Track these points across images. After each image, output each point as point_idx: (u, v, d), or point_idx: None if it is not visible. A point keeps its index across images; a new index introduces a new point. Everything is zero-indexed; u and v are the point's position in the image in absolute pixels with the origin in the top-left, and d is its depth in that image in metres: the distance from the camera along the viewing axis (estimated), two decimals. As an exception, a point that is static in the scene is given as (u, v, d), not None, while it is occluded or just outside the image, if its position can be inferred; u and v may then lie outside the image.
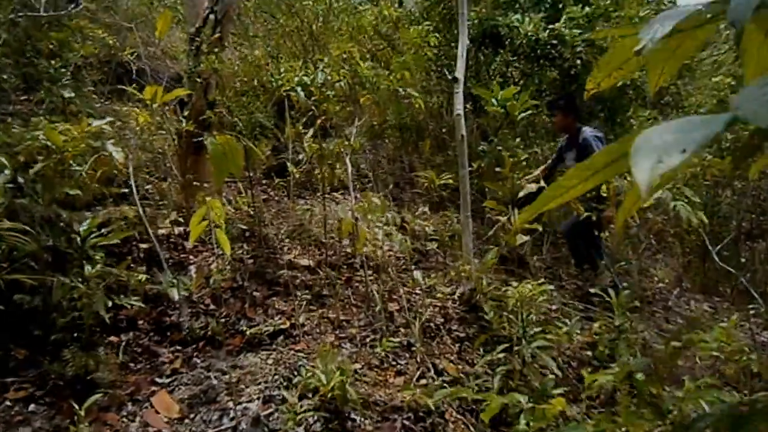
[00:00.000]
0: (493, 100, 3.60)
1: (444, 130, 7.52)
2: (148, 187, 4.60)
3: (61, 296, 2.71)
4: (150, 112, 3.32)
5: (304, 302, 3.47)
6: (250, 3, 8.14)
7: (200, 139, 4.13)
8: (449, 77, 3.99)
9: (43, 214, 2.83)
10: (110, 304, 2.94)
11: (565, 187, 0.86)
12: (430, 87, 7.37)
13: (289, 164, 5.29)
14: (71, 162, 2.98)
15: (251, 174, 4.10)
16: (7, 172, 2.65)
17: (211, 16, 4.30)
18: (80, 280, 2.75)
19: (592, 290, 4.03)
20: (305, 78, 3.22)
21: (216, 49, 4.18)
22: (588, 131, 4.69)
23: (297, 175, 5.46)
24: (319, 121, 3.55)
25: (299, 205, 5.45)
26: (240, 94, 4.48)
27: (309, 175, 5.83)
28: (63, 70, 4.91)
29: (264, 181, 5.74)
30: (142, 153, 4.76)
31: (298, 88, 3.22)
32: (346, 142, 3.48)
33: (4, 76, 5.10)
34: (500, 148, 4.52)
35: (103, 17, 9.49)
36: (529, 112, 3.52)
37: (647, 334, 3.88)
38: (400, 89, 3.50)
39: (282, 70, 3.37)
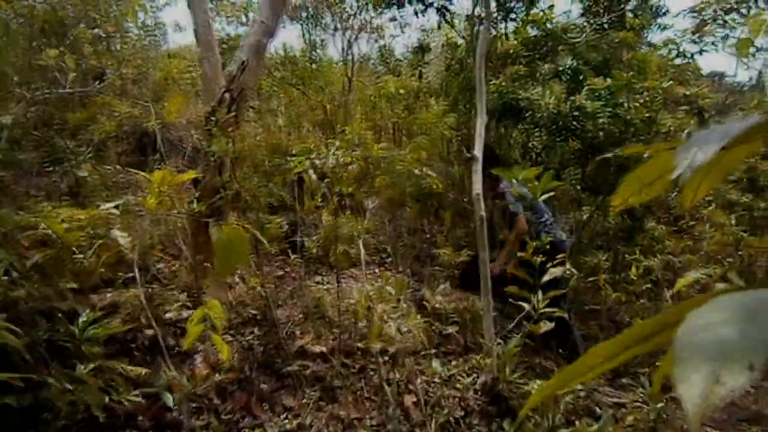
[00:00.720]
0: (515, 180, 3.45)
1: (466, 200, 7.41)
2: (160, 266, 4.50)
3: (54, 395, 2.55)
4: (159, 196, 3.22)
5: (314, 397, 3.26)
6: (271, 78, 8.29)
7: (211, 220, 4.07)
8: (467, 155, 3.86)
9: (41, 307, 2.72)
10: (107, 399, 2.78)
11: (589, 366, 0.68)
12: (449, 158, 7.29)
13: (305, 240, 5.19)
14: (74, 250, 2.88)
15: (260, 257, 3.96)
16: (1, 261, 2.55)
17: (227, 95, 4.29)
18: (75, 377, 2.59)
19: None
20: (317, 161, 3.13)
21: (230, 129, 4.14)
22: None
23: (314, 250, 5.35)
24: (335, 199, 3.44)
25: (315, 283, 5.31)
26: (256, 169, 4.41)
27: (326, 250, 5.70)
28: (81, 149, 4.90)
29: (280, 257, 5.63)
30: (156, 228, 4.68)
31: (310, 171, 3.13)
32: (359, 226, 3.34)
33: (23, 156, 5.12)
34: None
35: (131, 89, 9.73)
36: (552, 193, 3.35)
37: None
38: (417, 170, 3.38)
39: (294, 151, 3.30)
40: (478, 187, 3.83)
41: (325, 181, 3.26)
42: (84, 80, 7.65)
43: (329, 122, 4.45)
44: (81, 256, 2.94)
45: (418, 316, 4.70)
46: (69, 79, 6.98)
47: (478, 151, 3.85)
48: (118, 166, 9.68)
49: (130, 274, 3.84)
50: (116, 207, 3.20)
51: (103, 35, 9.35)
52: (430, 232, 7.48)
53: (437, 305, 5.13)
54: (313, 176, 3.13)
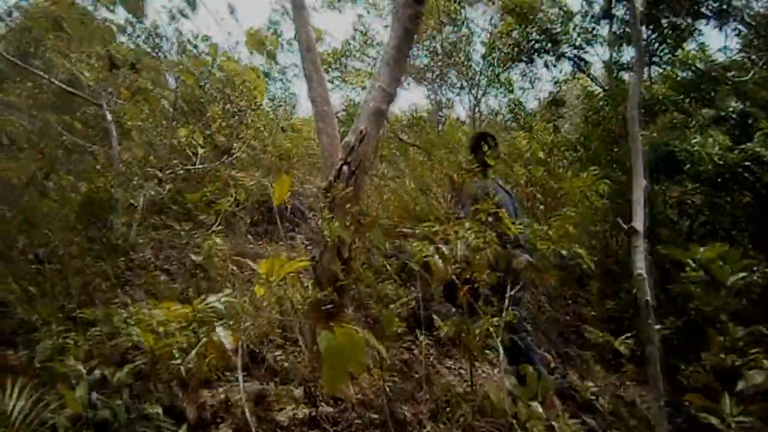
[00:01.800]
0: (690, 261, 2.76)
1: (615, 268, 6.56)
2: (278, 353, 4.18)
3: None
4: (269, 286, 2.89)
5: None
6: (396, 142, 8.06)
7: (331, 306, 3.69)
8: (625, 227, 3.20)
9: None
10: None
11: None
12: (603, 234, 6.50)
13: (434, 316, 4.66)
14: (175, 353, 2.59)
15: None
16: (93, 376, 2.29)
17: (345, 168, 3.96)
18: None
19: None
20: (443, 248, 2.65)
21: (348, 205, 3.79)
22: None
23: (445, 329, 4.80)
24: (465, 289, 2.92)
25: (446, 367, 4.75)
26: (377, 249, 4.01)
27: (459, 330, 5.13)
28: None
29: (408, 338, 5.13)
30: (275, 311, 4.38)
31: (436, 257, 2.65)
32: (496, 322, 2.78)
33: (142, 241, 5.12)
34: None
35: (260, 160, 9.93)
36: (744, 275, 2.61)
37: None
38: (564, 251, 2.79)
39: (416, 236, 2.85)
40: (640, 265, 3.13)
41: (454, 267, 2.77)
42: (213, 155, 7.85)
43: (459, 185, 4.00)
44: (178, 361, 2.63)
45: (566, 415, 3.99)
46: (199, 154, 7.16)
47: (638, 222, 3.18)
48: (249, 236, 9.86)
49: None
50: (222, 300, 2.89)
51: (236, 110, 9.65)
52: (574, 301, 6.68)
53: (589, 395, 4.38)
54: (440, 264, 2.65)
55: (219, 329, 2.74)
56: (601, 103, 7.27)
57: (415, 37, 10.25)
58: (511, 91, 10.55)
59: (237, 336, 2.83)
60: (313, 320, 3.80)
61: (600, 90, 7.69)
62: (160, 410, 2.48)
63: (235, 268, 6.46)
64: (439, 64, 11.57)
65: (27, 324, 3.26)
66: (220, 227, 6.57)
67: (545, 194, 5.71)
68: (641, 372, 4.87)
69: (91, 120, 7.90)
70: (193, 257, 4.09)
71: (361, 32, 11.28)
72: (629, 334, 4.17)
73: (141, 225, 5.92)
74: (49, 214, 4.24)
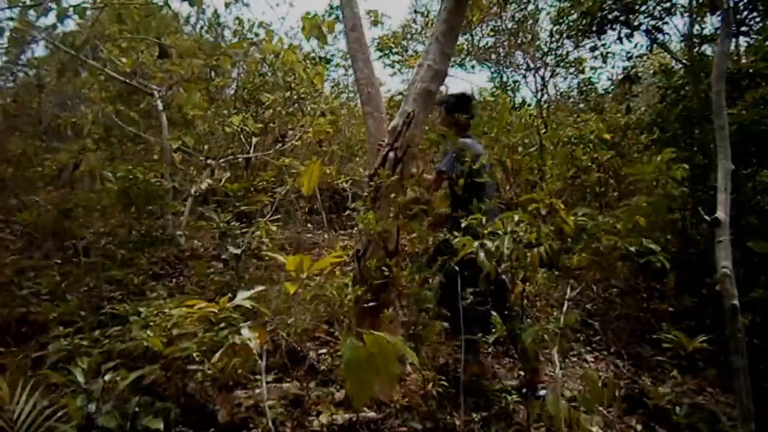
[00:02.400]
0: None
1: (694, 259, 5.98)
2: (322, 352, 3.96)
3: None
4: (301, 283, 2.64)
5: None
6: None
7: (375, 303, 3.42)
8: (706, 219, 2.77)
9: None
10: None
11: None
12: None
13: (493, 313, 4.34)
14: (195, 356, 2.39)
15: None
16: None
17: (391, 155, 3.67)
18: None
19: None
20: (488, 243, 2.32)
21: (394, 195, 3.50)
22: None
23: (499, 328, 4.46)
24: (518, 290, 2.59)
25: (502, 366, 4.41)
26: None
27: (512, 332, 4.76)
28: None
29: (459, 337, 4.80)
30: (322, 306, 4.16)
31: (481, 254, 2.33)
32: (551, 325, 2.43)
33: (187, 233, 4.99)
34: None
35: (321, 146, 9.77)
36: None
37: None
38: (632, 247, 2.40)
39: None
40: (725, 262, 2.70)
41: (503, 266, 2.45)
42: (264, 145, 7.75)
43: (513, 171, 3.64)
44: (195, 367, 2.43)
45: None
46: (253, 142, 7.04)
47: (722, 212, 2.74)
48: (309, 225, 9.74)
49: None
50: (252, 297, 2.67)
51: (297, 97, 9.52)
52: (649, 296, 6.14)
53: (664, 404, 3.94)
54: (486, 262, 2.33)
55: (244, 330, 2.52)
56: (680, 79, 6.64)
57: (477, 15, 9.79)
58: (582, 71, 9.92)
59: (263, 335, 2.61)
60: (355, 318, 3.56)
61: (679, 65, 7.03)
62: (161, 426, 2.29)
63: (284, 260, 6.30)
64: (504, 43, 11.04)
65: (49, 321, 3.17)
66: (277, 216, 6.45)
67: (617, 180, 5.21)
68: (723, 377, 4.39)
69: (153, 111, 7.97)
70: (232, 249, 3.92)
71: (422, 13, 10.88)
72: (709, 336, 3.71)
73: (192, 214, 5.85)
74: (90, 205, 4.19)
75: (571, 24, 8.40)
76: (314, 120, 7.14)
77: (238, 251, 3.90)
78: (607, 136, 5.36)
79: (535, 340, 2.50)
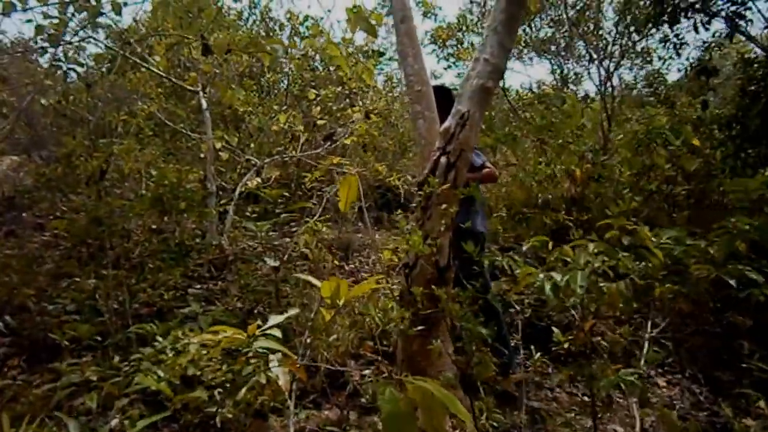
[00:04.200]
0: None
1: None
2: (365, 373, 3.65)
3: None
4: (335, 310, 2.34)
5: None
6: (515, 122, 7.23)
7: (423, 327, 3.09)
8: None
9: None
10: None
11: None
12: None
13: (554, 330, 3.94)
14: (218, 394, 2.12)
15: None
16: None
17: (443, 159, 3.32)
18: None
19: None
20: (555, 276, 1.95)
21: (444, 206, 3.15)
22: None
23: (566, 345, 4.05)
24: (587, 326, 2.21)
25: (566, 393, 4.01)
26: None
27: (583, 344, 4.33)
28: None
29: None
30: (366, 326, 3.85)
31: (547, 287, 1.96)
32: (631, 379, 2.04)
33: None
34: None
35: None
36: None
37: None
38: (732, 280, 1.98)
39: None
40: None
41: (572, 300, 2.07)
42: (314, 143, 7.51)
43: (582, 183, 3.23)
44: (215, 409, 2.15)
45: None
46: (301, 140, 6.81)
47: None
48: (359, 224, 9.47)
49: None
50: (280, 324, 2.39)
51: (347, 92, 9.29)
52: (723, 305, 5.55)
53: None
54: (552, 297, 1.96)
55: (273, 364, 2.23)
56: (763, 69, 6.02)
57: (535, 4, 9.25)
58: (650, 62, 9.28)
59: (296, 368, 2.31)
60: (401, 343, 3.24)
61: (762, 54, 6.39)
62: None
63: (335, 263, 6.05)
64: (565, 34, 10.48)
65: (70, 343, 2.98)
66: (326, 215, 6.19)
67: (704, 195, 4.63)
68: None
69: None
70: (270, 262, 3.66)
71: (478, 3, 10.41)
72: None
73: (237, 215, 5.65)
74: (124, 211, 4.01)
75: (639, 13, 7.83)
76: (359, 122, 6.82)
77: (276, 263, 3.64)
78: (696, 142, 4.79)
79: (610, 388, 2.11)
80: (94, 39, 5.55)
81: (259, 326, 2.40)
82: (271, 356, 2.29)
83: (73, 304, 3.51)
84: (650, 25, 6.60)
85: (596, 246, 2.01)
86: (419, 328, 3.00)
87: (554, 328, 3.44)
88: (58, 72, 5.77)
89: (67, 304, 3.51)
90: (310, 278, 2.43)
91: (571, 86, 11.43)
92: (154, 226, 4.29)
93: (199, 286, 4.98)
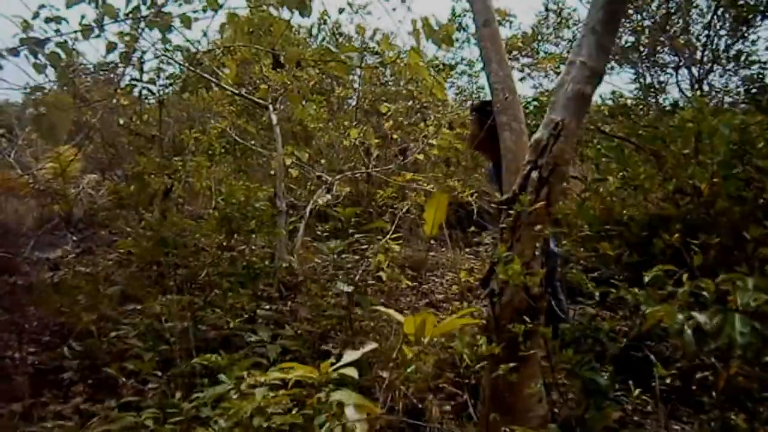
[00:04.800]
0: None
1: None
2: (446, 409, 3.32)
3: None
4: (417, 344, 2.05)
5: None
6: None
7: (515, 365, 2.74)
8: None
9: None
10: None
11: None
12: None
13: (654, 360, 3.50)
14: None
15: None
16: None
17: (533, 174, 2.98)
18: None
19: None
20: (699, 318, 1.56)
21: (538, 227, 2.80)
22: None
23: (668, 380, 3.58)
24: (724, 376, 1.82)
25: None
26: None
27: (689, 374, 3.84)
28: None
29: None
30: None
31: (688, 332, 1.58)
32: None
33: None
34: None
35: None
36: None
37: None
38: None
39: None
40: None
41: (713, 345, 1.68)
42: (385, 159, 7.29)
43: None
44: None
45: None
46: (372, 156, 6.59)
47: None
48: (432, 242, 9.16)
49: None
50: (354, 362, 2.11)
51: (418, 106, 9.07)
52: None
53: None
54: (691, 342, 1.59)
55: (349, 410, 1.95)
56: None
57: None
58: (746, 66, 8.58)
59: (374, 413, 2.03)
60: (488, 384, 2.89)
61: None
62: None
63: (408, 283, 5.77)
64: (647, 40, 9.88)
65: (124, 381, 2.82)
66: (399, 233, 5.96)
67: None
68: None
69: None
70: (343, 287, 3.40)
71: (555, 11, 9.98)
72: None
73: (308, 233, 5.47)
74: (191, 231, 3.87)
75: (736, 13, 7.24)
76: (438, 132, 6.54)
77: (350, 289, 3.38)
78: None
79: None
80: (168, 57, 5.54)
81: (333, 363, 2.13)
82: (347, 401, 2.01)
83: (137, 329, 3.37)
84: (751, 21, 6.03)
85: (756, 281, 1.62)
86: (511, 365, 2.66)
87: (653, 358, 3.01)
88: (134, 91, 5.80)
89: (130, 330, 3.38)
90: (391, 312, 2.14)
91: (654, 94, 10.78)
92: (222, 246, 4.13)
93: (268, 307, 4.82)
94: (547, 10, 10.04)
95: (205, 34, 7.58)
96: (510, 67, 3.51)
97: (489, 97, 3.57)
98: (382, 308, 2.32)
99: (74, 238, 8.74)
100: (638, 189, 3.34)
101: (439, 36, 5.06)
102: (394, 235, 5.34)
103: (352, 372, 2.05)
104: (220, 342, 3.47)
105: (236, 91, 5.93)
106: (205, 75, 5.07)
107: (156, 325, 3.35)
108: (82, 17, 4.65)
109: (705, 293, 1.69)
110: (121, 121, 7.78)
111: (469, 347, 2.37)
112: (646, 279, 1.94)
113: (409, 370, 3.07)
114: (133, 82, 5.80)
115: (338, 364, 2.10)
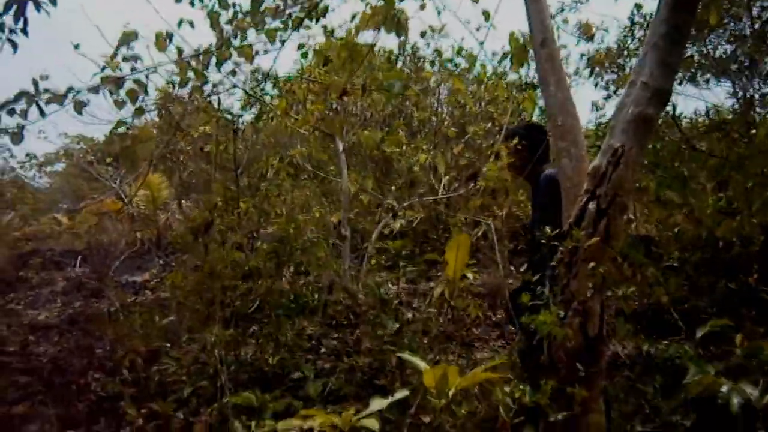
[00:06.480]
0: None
1: None
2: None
3: None
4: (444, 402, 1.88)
5: None
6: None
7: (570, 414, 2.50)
8: None
9: None
10: None
11: None
12: None
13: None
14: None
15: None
16: None
17: (591, 205, 2.74)
18: None
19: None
20: (750, 390, 1.31)
21: (594, 264, 2.56)
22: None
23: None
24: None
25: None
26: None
27: None
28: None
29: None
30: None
31: (735, 403, 1.34)
32: None
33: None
34: None
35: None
36: None
37: None
38: None
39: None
40: None
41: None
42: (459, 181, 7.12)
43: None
44: None
45: None
46: (443, 181, 6.46)
47: None
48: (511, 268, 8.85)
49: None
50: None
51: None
52: None
53: None
54: (738, 411, 1.35)
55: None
56: None
57: (715, 17, 8.16)
58: None
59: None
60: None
61: None
62: None
63: (480, 314, 5.55)
64: (748, 50, 9.16)
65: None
66: (473, 261, 5.76)
67: None
68: None
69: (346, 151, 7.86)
70: (389, 324, 3.27)
71: (641, 24, 9.43)
72: None
73: (373, 260, 5.40)
74: (240, 264, 3.86)
75: None
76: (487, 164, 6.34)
77: (396, 326, 3.25)
78: None
79: None
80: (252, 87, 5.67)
81: (357, 410, 2.02)
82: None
83: (179, 362, 3.40)
84: None
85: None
86: (566, 414, 2.43)
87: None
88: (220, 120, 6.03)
89: (172, 364, 3.40)
90: (414, 359, 1.99)
91: (758, 109, 9.96)
92: (272, 276, 4.12)
93: (335, 335, 4.79)
94: (633, 24, 9.53)
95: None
96: (568, 90, 3.28)
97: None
98: (404, 356, 2.17)
99: (161, 261, 9.16)
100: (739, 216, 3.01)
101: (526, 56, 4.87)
102: (470, 262, 5.16)
103: (373, 424, 1.92)
104: (264, 376, 3.43)
105: (314, 125, 5.97)
106: (270, 104, 5.14)
107: (202, 357, 3.36)
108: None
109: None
110: (207, 148, 8.06)
111: (511, 398, 2.17)
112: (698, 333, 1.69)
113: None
114: (210, 111, 6.02)
115: (360, 415, 1.99)
